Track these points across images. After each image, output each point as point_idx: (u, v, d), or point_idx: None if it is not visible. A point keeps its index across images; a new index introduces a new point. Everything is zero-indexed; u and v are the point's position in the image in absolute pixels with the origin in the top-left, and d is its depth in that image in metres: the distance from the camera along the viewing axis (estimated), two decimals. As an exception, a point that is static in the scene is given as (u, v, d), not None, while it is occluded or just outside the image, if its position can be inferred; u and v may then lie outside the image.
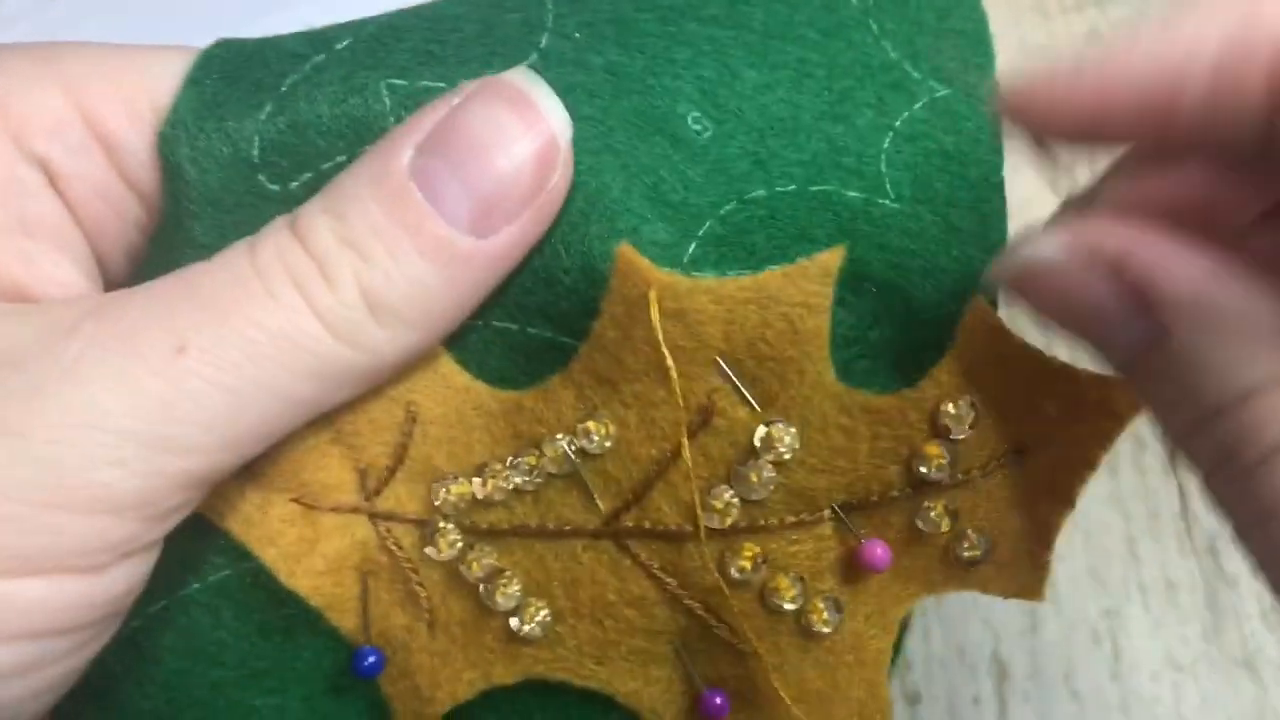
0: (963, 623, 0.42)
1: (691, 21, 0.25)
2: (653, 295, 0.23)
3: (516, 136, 0.22)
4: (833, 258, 0.23)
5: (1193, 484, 0.44)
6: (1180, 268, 0.20)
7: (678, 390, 0.23)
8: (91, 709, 0.25)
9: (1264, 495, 0.19)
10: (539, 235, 0.23)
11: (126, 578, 0.21)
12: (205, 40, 0.26)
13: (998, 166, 0.26)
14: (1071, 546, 0.44)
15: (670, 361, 0.23)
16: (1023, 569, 0.25)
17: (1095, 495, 0.45)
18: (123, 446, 0.20)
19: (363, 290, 0.21)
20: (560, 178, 0.23)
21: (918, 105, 0.26)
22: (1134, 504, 0.44)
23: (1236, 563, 0.43)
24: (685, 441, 0.24)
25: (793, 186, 0.25)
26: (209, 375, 0.20)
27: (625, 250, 0.23)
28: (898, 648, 0.27)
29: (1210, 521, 0.44)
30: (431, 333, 0.23)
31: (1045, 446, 0.24)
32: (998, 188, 0.26)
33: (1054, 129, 0.21)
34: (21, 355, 0.20)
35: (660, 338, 0.23)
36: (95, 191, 0.24)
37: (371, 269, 0.21)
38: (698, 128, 0.25)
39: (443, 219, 0.22)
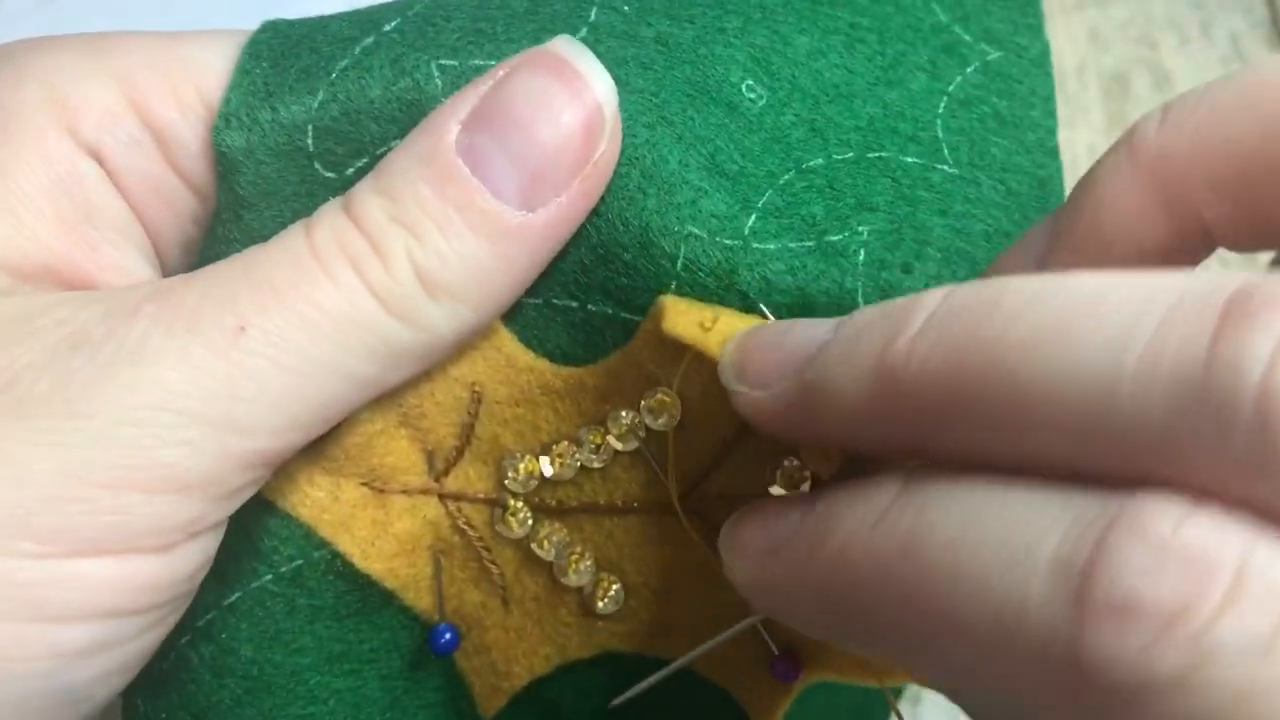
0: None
1: None
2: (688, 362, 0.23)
3: (561, 107, 0.22)
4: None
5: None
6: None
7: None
8: (171, 700, 0.24)
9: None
10: (590, 206, 0.23)
11: (193, 557, 0.22)
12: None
13: (1052, 130, 0.26)
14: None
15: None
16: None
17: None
18: (188, 426, 0.20)
19: (416, 268, 0.22)
20: (608, 147, 0.23)
21: (970, 69, 0.26)
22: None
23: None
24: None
25: (850, 154, 0.24)
26: (270, 355, 0.21)
27: (668, 301, 0.23)
28: None
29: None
30: (487, 309, 0.23)
31: None
32: (1053, 152, 0.26)
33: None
34: (85, 338, 0.20)
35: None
36: (150, 185, 0.24)
37: (424, 247, 0.21)
38: (752, 96, 0.25)
39: (491, 194, 0.22)
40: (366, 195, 0.22)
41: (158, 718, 0.25)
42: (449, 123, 0.22)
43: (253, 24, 0.26)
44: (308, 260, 0.21)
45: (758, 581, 0.21)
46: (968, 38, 0.26)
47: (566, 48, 0.22)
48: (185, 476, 0.20)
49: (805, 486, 0.24)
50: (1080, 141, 0.53)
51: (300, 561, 0.25)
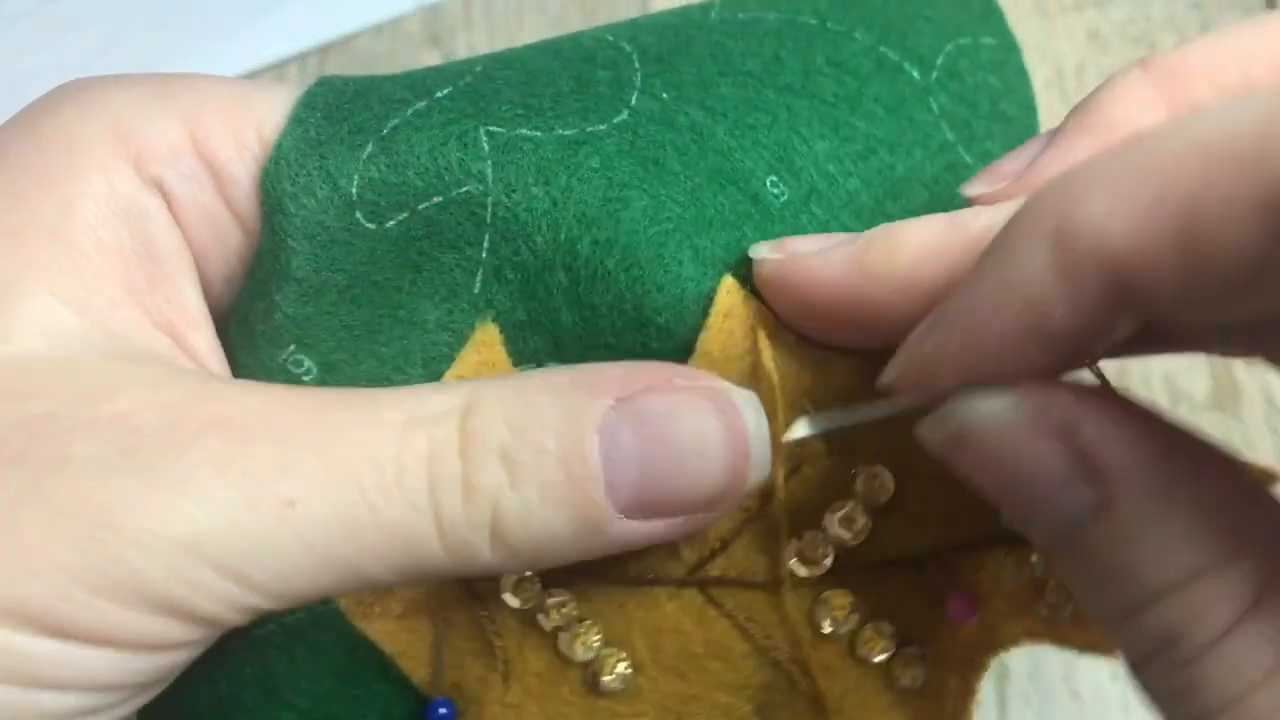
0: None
1: (769, 89, 0.26)
2: (763, 338, 0.23)
3: (714, 452, 0.21)
4: None
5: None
6: (1132, 437, 0.19)
7: (778, 401, 0.23)
8: None
9: (1203, 692, 0.18)
10: (669, 539, 0.22)
11: (184, 655, 0.22)
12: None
13: None
14: (1072, 547, 0.44)
15: (776, 391, 0.23)
16: (1097, 626, 0.25)
17: (1095, 496, 0.45)
18: (200, 571, 0.20)
19: (495, 512, 0.21)
20: (731, 506, 0.22)
21: None
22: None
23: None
24: (780, 481, 0.23)
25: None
26: (306, 537, 0.20)
27: (729, 282, 0.24)
28: None
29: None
30: (531, 569, 0.23)
31: None
32: None
33: (943, 380, 0.21)
34: (138, 449, 0.20)
35: (774, 376, 0.23)
36: (205, 219, 0.25)
37: (514, 494, 0.21)
38: (775, 191, 0.26)
39: (606, 487, 0.21)
40: (490, 417, 0.21)
41: None
42: (609, 389, 0.21)
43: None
44: (388, 457, 0.21)
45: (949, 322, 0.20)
46: (969, 159, 0.27)
47: (744, 403, 0.22)
48: (181, 610, 0.21)
49: (827, 561, 0.24)
50: (1079, 141, 0.53)
51: (303, 615, 0.24)
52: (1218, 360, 0.47)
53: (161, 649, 0.21)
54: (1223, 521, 0.18)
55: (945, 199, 0.27)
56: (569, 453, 0.21)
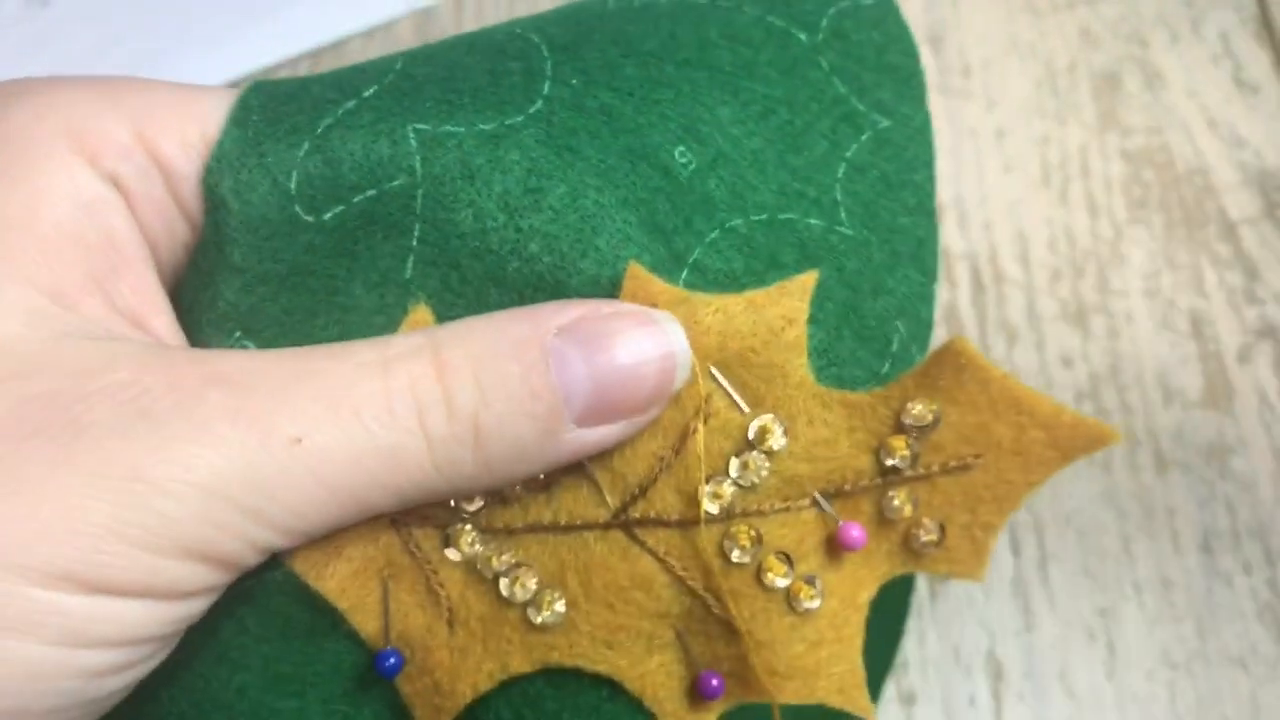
0: (958, 623, 0.42)
1: (669, 65, 0.28)
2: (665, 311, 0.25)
3: (647, 360, 0.25)
4: (809, 279, 0.26)
5: (1187, 481, 0.45)
6: None
7: (700, 380, 0.26)
8: (120, 712, 0.25)
9: None
10: (619, 443, 0.26)
11: (206, 601, 0.24)
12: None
13: (931, 194, 0.30)
14: (1065, 545, 0.44)
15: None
16: (965, 553, 0.27)
17: (1089, 494, 0.45)
18: (226, 512, 0.22)
19: (477, 428, 0.24)
20: (659, 408, 0.25)
21: (864, 137, 0.29)
22: (1128, 502, 0.44)
23: (1231, 560, 0.43)
24: (701, 428, 0.26)
25: (764, 216, 0.28)
26: (316, 470, 0.23)
27: (634, 267, 0.26)
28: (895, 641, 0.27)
29: (1204, 519, 0.44)
30: (499, 482, 0.25)
31: (997, 459, 0.26)
32: (931, 214, 0.29)
33: None
34: (154, 407, 0.22)
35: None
36: (156, 213, 0.27)
37: (489, 412, 0.24)
38: (683, 161, 0.28)
39: (563, 399, 0.24)
40: (457, 351, 0.24)
41: None
42: (551, 321, 0.24)
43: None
44: (378, 391, 0.23)
45: None
46: (862, 108, 0.30)
47: (665, 319, 0.25)
48: (209, 552, 0.22)
49: (733, 500, 0.26)
50: (1072, 140, 0.53)
51: (252, 580, 0.26)
52: (1210, 357, 0.48)
53: (190, 595, 0.23)
54: None
55: (843, 145, 0.29)
56: (530, 373, 0.24)
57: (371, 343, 0.24)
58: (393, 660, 0.26)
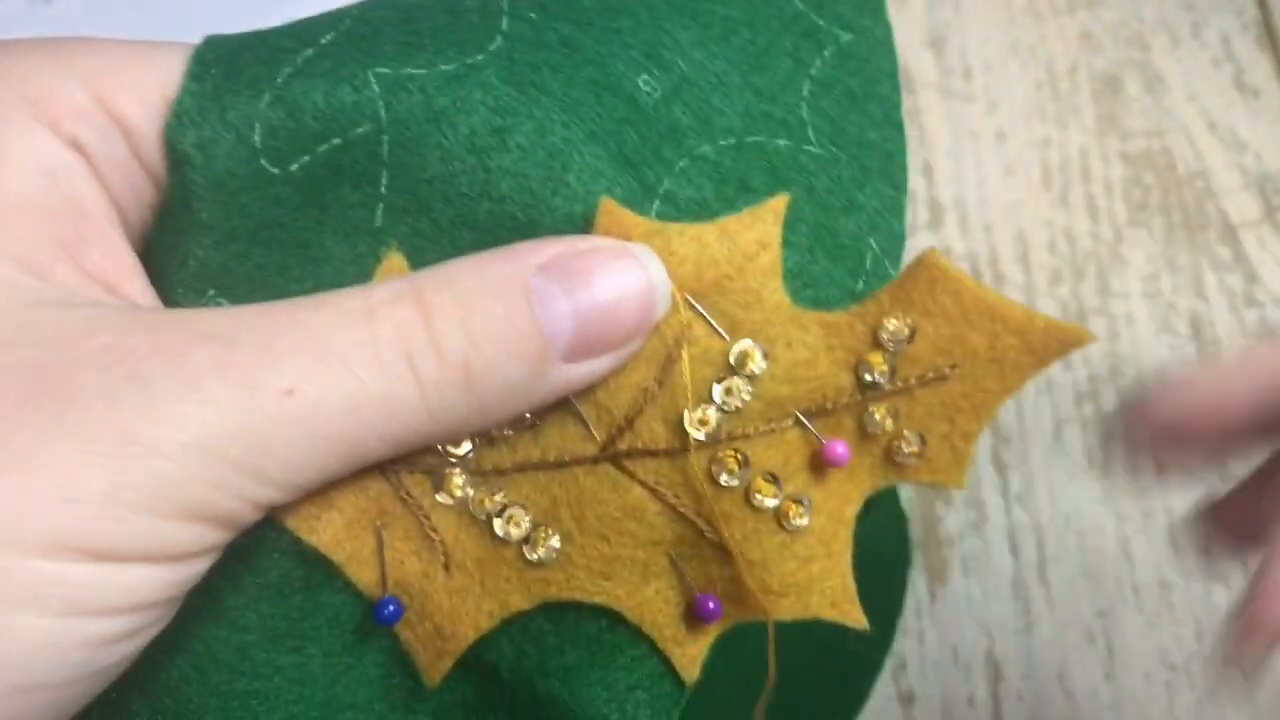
0: (957, 624, 0.42)
1: None
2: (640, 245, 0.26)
3: (627, 293, 0.25)
4: (780, 202, 0.26)
5: (1186, 483, 0.45)
6: None
7: (681, 309, 0.26)
8: (126, 679, 0.25)
9: None
10: (607, 374, 0.26)
11: (207, 562, 0.24)
12: (199, 39, 0.27)
13: (897, 105, 0.29)
14: (1065, 547, 0.44)
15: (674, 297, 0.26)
16: (945, 463, 0.27)
17: (1088, 496, 0.45)
18: (222, 470, 0.22)
19: (467, 371, 0.24)
20: (642, 339, 0.26)
21: (826, 52, 0.29)
22: (1127, 504, 0.44)
23: (1229, 562, 0.43)
24: (685, 357, 0.26)
25: (732, 140, 0.28)
26: (309, 422, 0.22)
27: (606, 201, 0.26)
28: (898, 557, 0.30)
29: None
30: (489, 423, 0.25)
31: (973, 368, 0.27)
32: (899, 126, 0.29)
33: (1189, 451, 0.24)
34: (140, 368, 0.22)
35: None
36: (120, 175, 0.26)
37: (478, 354, 0.24)
38: (648, 89, 0.27)
39: (549, 338, 0.24)
40: (441, 295, 0.24)
41: (108, 696, 0.26)
42: (530, 259, 0.24)
43: (241, 26, 0.29)
44: (365, 339, 0.23)
45: None
46: (822, 23, 0.30)
47: (642, 251, 0.25)
48: (208, 512, 0.22)
49: (718, 426, 0.26)
50: (1073, 143, 0.53)
51: (245, 539, 0.25)
52: (1210, 359, 0.48)
53: (191, 557, 0.23)
54: None
55: (805, 62, 0.29)
56: (514, 313, 0.24)
57: (353, 291, 0.24)
58: (391, 608, 0.26)
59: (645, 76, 0.27)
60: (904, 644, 0.43)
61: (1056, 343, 0.26)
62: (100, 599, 0.22)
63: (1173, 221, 0.51)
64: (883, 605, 0.44)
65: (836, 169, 0.28)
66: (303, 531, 0.26)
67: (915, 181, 0.53)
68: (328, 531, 0.26)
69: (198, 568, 0.23)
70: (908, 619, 0.43)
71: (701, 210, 0.27)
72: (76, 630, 0.22)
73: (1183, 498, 0.44)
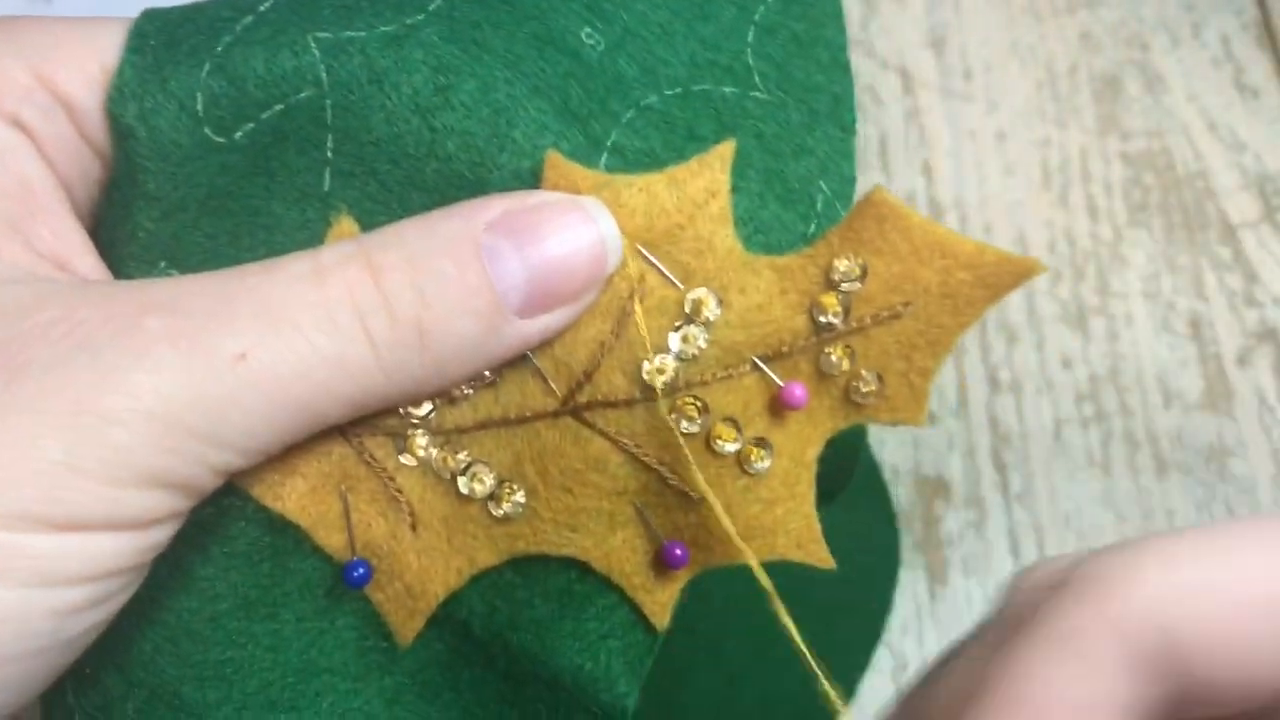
0: (957, 624, 0.42)
1: None
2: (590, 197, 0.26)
3: (579, 245, 0.25)
4: (727, 149, 0.26)
5: (1186, 483, 0.45)
6: None
7: (629, 263, 0.26)
8: (92, 651, 0.25)
9: None
10: (562, 328, 0.26)
11: (170, 529, 0.24)
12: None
13: (843, 46, 0.30)
14: (1064, 547, 0.44)
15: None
16: (903, 399, 0.28)
17: (1088, 496, 0.45)
18: (179, 438, 0.22)
19: (421, 330, 0.24)
20: (595, 292, 0.26)
21: None
22: (1127, 505, 0.44)
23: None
24: (639, 309, 0.26)
25: (678, 89, 0.28)
26: (263, 388, 0.22)
27: (553, 156, 0.26)
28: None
29: (1203, 520, 0.44)
30: (449, 381, 0.25)
31: (926, 304, 0.27)
32: (845, 68, 0.29)
33: None
34: (91, 339, 0.22)
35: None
36: (65, 152, 0.26)
37: (431, 313, 0.24)
38: (591, 42, 0.27)
39: (501, 293, 0.24)
40: (390, 255, 0.24)
41: (82, 671, 0.26)
42: (479, 217, 0.24)
43: None
44: (315, 304, 0.23)
45: None
46: None
47: (591, 203, 0.25)
48: (168, 479, 0.22)
49: (675, 373, 0.26)
50: (1073, 143, 0.53)
51: (211, 509, 0.26)
52: (1210, 359, 0.48)
53: (153, 524, 0.23)
54: None
55: (749, 8, 0.29)
56: (466, 271, 0.24)
57: (303, 255, 0.24)
58: (360, 570, 0.26)
59: (588, 29, 0.27)
60: (904, 644, 0.43)
61: (1009, 275, 0.26)
62: (63, 568, 0.22)
63: (1173, 221, 0.51)
64: (870, 607, 0.45)
65: (784, 114, 0.28)
66: (267, 499, 0.26)
67: (915, 181, 0.53)
68: (292, 498, 0.26)
69: (161, 535, 0.23)
70: (907, 619, 0.43)
71: (650, 161, 0.27)
72: (41, 600, 0.21)
73: (1183, 498, 0.44)
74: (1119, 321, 0.49)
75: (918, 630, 0.42)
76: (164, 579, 0.26)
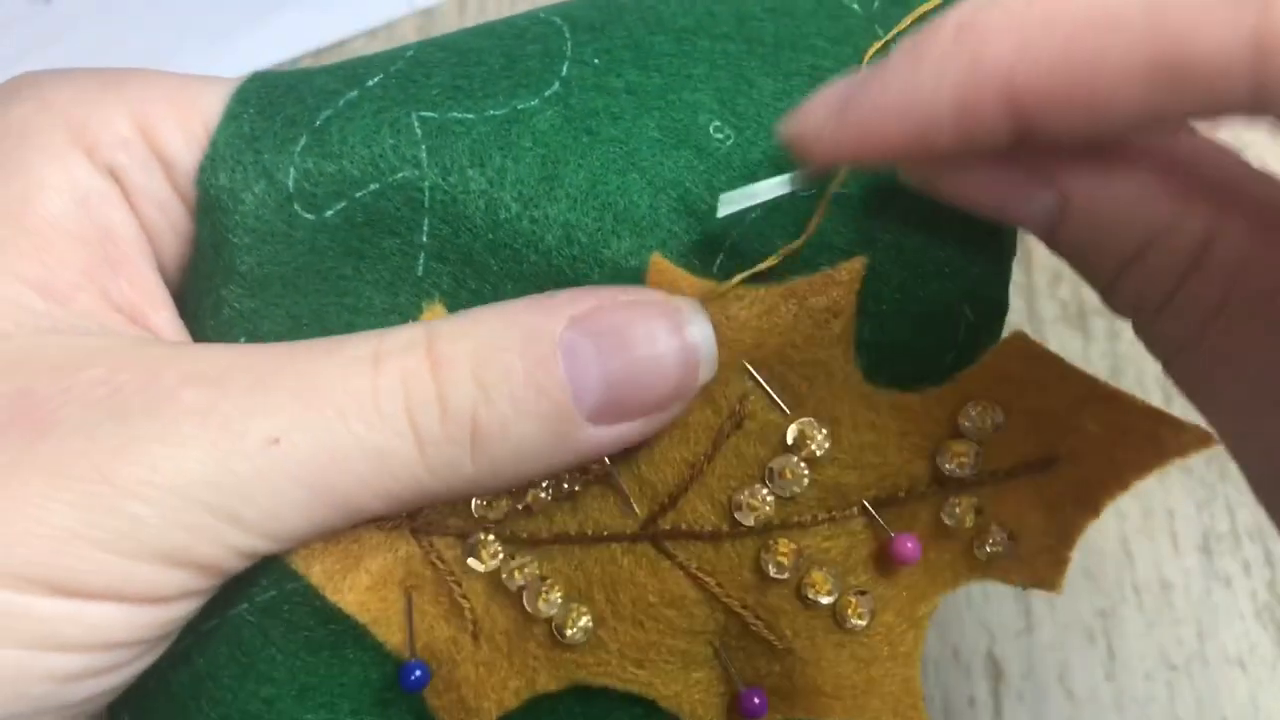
0: (957, 624, 0.42)
1: (704, 39, 0.26)
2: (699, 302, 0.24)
3: (666, 354, 0.23)
4: (857, 265, 0.24)
5: (1187, 483, 0.45)
6: (1077, 150, 0.22)
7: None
8: (152, 718, 0.25)
9: (1172, 332, 0.22)
10: (640, 440, 0.24)
11: (189, 606, 0.23)
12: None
13: None
14: (1066, 547, 0.44)
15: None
16: (1042, 563, 0.25)
17: (1089, 496, 0.45)
18: (198, 516, 0.21)
19: (475, 428, 0.22)
20: (681, 405, 0.24)
21: None
22: (1128, 503, 0.44)
23: (1230, 562, 0.43)
24: (738, 433, 0.24)
25: (814, 191, 0.25)
26: (294, 472, 0.21)
27: (657, 259, 0.24)
28: None
29: (1204, 520, 0.44)
30: (506, 483, 0.24)
31: (1080, 460, 0.25)
32: None
33: (833, 160, 0.22)
34: (123, 408, 0.21)
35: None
36: (156, 205, 0.26)
37: (490, 411, 0.22)
38: (720, 136, 0.25)
39: (573, 397, 0.22)
40: (458, 352, 0.22)
41: None
42: (562, 311, 0.23)
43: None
44: (365, 392, 0.22)
45: (854, 108, 0.21)
46: None
47: (688, 308, 0.23)
48: (183, 557, 0.22)
49: (770, 511, 0.25)
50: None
51: (274, 592, 0.25)
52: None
53: (166, 600, 0.22)
54: (1167, 188, 0.21)
55: None
56: (536, 369, 0.22)
57: (367, 336, 0.23)
58: (419, 674, 0.25)
59: (717, 123, 0.25)
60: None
61: (1184, 443, 0.24)
62: (63, 634, 0.21)
63: (1173, 221, 0.51)
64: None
65: (932, 227, 0.25)
66: (328, 590, 0.25)
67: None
68: (353, 592, 0.25)
69: (176, 611, 0.23)
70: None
71: (770, 269, 0.25)
72: (38, 664, 0.21)
73: (1183, 497, 0.44)
74: (1119, 321, 0.49)
75: (918, 630, 0.42)
76: (223, 655, 0.25)
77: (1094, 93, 0.18)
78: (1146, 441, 0.24)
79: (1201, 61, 0.17)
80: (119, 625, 0.22)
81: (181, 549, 0.21)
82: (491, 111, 0.25)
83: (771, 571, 0.25)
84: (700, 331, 0.23)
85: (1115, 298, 0.23)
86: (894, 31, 0.26)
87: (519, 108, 0.25)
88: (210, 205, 0.25)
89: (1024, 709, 0.41)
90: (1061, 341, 0.48)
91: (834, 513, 0.25)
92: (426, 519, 0.25)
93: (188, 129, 0.26)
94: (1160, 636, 0.42)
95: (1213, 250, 0.21)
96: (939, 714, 0.41)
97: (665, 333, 0.23)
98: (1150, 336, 0.23)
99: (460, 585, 0.25)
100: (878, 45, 0.26)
